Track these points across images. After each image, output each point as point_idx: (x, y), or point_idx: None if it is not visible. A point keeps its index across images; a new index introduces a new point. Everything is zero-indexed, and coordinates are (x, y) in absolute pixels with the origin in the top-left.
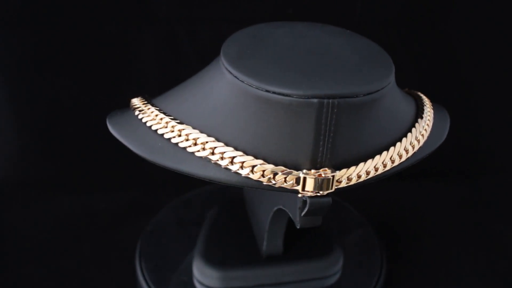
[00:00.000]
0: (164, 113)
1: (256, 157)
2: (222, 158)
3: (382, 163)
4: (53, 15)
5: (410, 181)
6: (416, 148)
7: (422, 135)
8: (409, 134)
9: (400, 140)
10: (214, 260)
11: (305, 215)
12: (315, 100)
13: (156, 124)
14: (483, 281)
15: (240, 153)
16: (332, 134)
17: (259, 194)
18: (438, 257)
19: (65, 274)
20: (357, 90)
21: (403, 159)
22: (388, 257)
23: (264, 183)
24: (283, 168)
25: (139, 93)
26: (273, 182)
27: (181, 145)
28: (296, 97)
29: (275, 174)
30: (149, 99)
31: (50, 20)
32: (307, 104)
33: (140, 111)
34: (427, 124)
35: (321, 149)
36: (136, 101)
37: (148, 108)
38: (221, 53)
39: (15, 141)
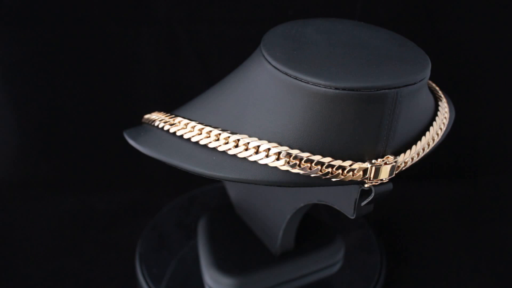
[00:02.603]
0: (210, 126)
1: (323, 155)
2: (288, 162)
3: (427, 143)
4: (53, 15)
5: (410, 181)
6: (444, 126)
7: (446, 112)
8: (439, 113)
9: (435, 119)
10: (228, 268)
11: (368, 203)
12: (385, 91)
13: (205, 138)
14: (483, 281)
15: (307, 154)
16: (394, 122)
17: (269, 195)
18: (438, 257)
19: (65, 274)
20: (416, 77)
21: (439, 137)
22: (388, 257)
23: (333, 180)
24: (351, 161)
25: (152, 108)
26: (342, 177)
27: (240, 155)
28: (365, 91)
29: (343, 169)
30: (173, 113)
31: (50, 20)
32: (377, 96)
33: (177, 127)
34: (446, 103)
35: (384, 138)
36: (161, 116)
37: (186, 123)
38: (269, 58)
39: (15, 141)
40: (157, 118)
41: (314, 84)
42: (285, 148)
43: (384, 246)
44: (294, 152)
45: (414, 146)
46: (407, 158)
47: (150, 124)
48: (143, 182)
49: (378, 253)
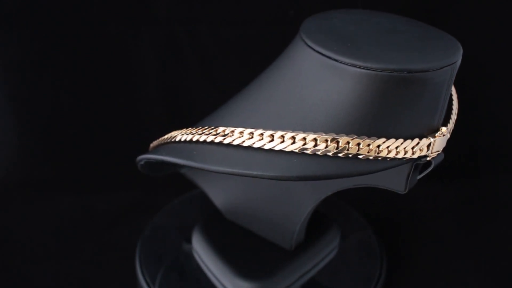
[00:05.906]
0: (278, 130)
1: (396, 139)
2: (368, 152)
3: (455, 112)
4: (53, 15)
5: None
6: (455, 95)
7: (454, 87)
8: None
9: (452, 91)
10: (251, 273)
11: (423, 176)
12: (446, 69)
13: (279, 143)
14: (483, 281)
15: (383, 139)
16: (447, 96)
17: (284, 192)
18: (439, 257)
19: (65, 274)
20: (459, 52)
21: (457, 106)
22: (388, 258)
23: (405, 159)
24: (418, 140)
25: (151, 107)
26: (413, 156)
27: (320, 153)
28: (434, 71)
29: (412, 147)
30: (212, 125)
31: (50, 20)
32: (441, 74)
33: (242, 138)
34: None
35: (440, 112)
36: (208, 131)
37: (251, 132)
38: (330, 54)
39: (15, 141)
40: (196, 132)
41: (386, 71)
42: (363, 138)
43: (384, 246)
44: (371, 141)
45: (452, 115)
46: (451, 127)
47: (185, 142)
48: (143, 182)
49: (378, 254)
